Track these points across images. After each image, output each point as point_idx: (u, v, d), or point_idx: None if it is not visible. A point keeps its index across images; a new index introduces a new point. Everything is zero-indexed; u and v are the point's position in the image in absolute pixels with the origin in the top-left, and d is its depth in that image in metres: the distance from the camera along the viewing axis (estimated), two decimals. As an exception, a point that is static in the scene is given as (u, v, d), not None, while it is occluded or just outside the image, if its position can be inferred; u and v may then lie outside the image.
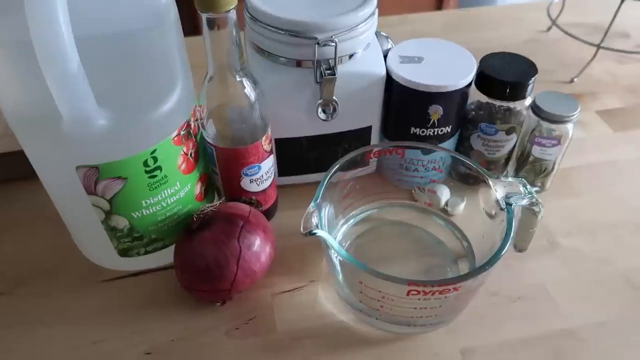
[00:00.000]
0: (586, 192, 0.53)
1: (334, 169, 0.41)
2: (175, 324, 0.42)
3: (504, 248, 0.35)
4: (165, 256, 0.44)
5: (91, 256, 0.46)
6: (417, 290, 0.34)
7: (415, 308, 0.36)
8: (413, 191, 0.50)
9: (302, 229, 0.37)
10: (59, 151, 0.36)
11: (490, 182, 0.41)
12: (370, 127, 0.50)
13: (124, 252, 0.44)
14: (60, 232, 0.47)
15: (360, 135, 0.50)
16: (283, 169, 0.52)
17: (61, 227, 0.46)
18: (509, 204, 0.39)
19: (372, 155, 0.45)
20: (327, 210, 0.42)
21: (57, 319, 0.43)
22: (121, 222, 0.41)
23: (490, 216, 0.41)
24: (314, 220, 0.38)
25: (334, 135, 0.49)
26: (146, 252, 0.44)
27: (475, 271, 0.35)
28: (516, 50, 0.50)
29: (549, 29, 0.78)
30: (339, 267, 0.40)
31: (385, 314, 0.38)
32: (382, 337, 0.41)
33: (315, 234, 0.37)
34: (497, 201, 0.40)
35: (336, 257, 0.39)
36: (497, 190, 0.40)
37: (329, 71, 0.43)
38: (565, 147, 0.49)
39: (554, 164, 0.50)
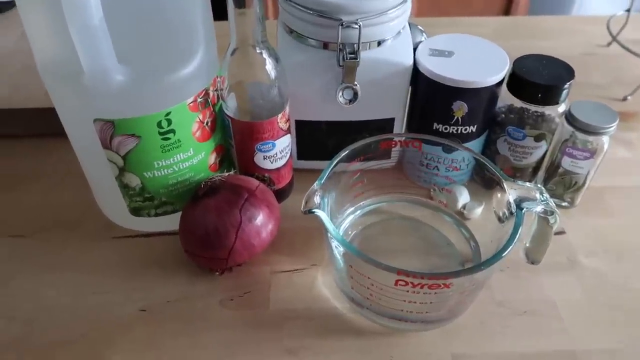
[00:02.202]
0: (619, 214, 0.50)
1: (344, 153, 0.41)
2: (174, 287, 0.43)
3: (503, 252, 0.34)
4: (175, 221, 0.45)
5: (106, 212, 0.48)
6: (405, 281, 0.33)
7: (405, 301, 0.35)
8: (431, 190, 0.49)
9: (302, 207, 0.37)
10: (79, 103, 0.38)
11: (505, 185, 0.39)
12: (393, 119, 0.49)
13: (135, 211, 0.45)
14: (84, 187, 0.49)
15: (382, 127, 0.49)
16: (302, 152, 0.52)
17: (85, 183, 0.48)
18: (519, 209, 0.37)
19: (386, 145, 0.44)
20: (333, 194, 0.41)
21: (66, 267, 0.45)
22: (133, 181, 0.42)
23: (500, 220, 0.39)
24: (316, 199, 0.37)
25: (355, 123, 0.49)
26: (156, 214, 0.45)
27: (466, 270, 0.33)
28: (570, 63, 0.46)
29: (609, 44, 0.74)
30: (336, 252, 0.40)
31: (375, 304, 0.37)
32: (374, 329, 0.40)
33: (313, 212, 0.37)
34: (509, 204, 0.38)
35: (332, 240, 0.38)
36: (511, 193, 0.38)
37: (351, 55, 0.42)
38: (598, 161, 0.46)
39: (585, 178, 0.47)
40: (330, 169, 0.40)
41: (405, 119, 0.50)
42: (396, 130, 0.50)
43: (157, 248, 0.46)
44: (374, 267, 0.33)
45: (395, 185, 0.48)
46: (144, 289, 0.43)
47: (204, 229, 0.40)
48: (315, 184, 0.38)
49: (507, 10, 1.46)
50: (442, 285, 0.33)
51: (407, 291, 0.34)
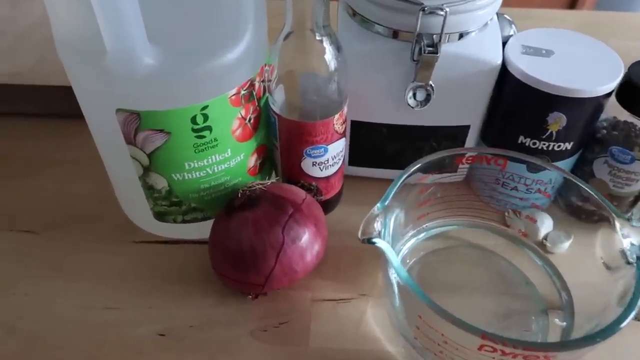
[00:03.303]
0: None
1: (414, 169, 0.33)
2: (199, 309, 0.37)
3: (626, 317, 0.26)
4: (204, 229, 0.39)
5: (127, 212, 0.42)
6: (492, 347, 0.25)
7: (485, 366, 0.28)
8: (506, 214, 0.41)
9: (360, 234, 0.30)
10: (100, 89, 0.31)
11: (617, 224, 0.31)
12: (467, 127, 0.41)
13: (159, 216, 0.39)
14: (106, 179, 0.43)
15: (454, 135, 0.41)
16: (355, 157, 0.44)
17: (107, 174, 0.42)
18: (640, 259, 0.29)
19: (463, 161, 0.36)
20: (395, 217, 0.34)
21: (78, 272, 0.39)
22: (159, 182, 0.36)
23: (609, 268, 0.31)
24: (377, 226, 0.30)
25: (422, 129, 0.41)
26: (184, 221, 0.39)
27: (578, 341, 0.25)
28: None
29: None
30: (396, 289, 0.33)
31: (444, 361, 0.30)
32: (433, 384, 0.33)
33: (374, 243, 0.30)
34: (623, 251, 0.30)
35: (394, 276, 0.31)
36: (626, 235, 0.30)
37: (430, 48, 0.35)
38: None
39: (702, 215, 0.39)
40: (396, 187, 0.32)
41: (480, 127, 0.42)
42: (469, 140, 0.42)
43: (181, 259, 0.40)
44: (452, 325, 0.26)
45: (463, 207, 0.41)
46: (163, 307, 0.37)
47: (238, 248, 0.34)
48: (376, 207, 0.31)
49: (572, 4, 1.34)
50: (542, 358, 0.25)
51: (493, 358, 0.26)
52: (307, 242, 0.34)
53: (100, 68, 0.30)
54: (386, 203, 0.31)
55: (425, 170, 0.34)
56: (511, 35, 0.40)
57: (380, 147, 0.43)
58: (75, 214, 0.43)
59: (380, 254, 0.32)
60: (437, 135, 0.41)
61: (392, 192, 0.32)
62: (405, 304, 0.32)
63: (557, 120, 0.37)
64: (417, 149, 0.43)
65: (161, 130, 0.32)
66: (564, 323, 0.34)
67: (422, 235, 0.40)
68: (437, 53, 0.34)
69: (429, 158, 0.34)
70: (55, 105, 0.51)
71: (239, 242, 0.34)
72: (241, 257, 0.34)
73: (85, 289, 0.38)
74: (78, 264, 0.40)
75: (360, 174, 0.46)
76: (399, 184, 0.32)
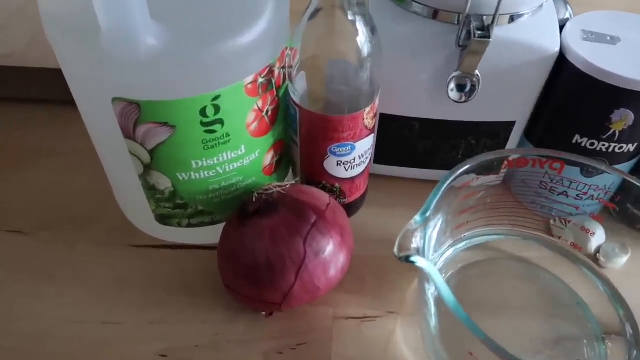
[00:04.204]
0: None
1: (460, 171, 0.29)
2: (205, 325, 0.33)
3: None
4: (212, 234, 0.34)
5: (127, 213, 0.38)
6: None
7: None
8: (552, 222, 0.36)
9: (396, 250, 0.26)
10: (93, 74, 0.27)
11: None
12: (512, 124, 0.36)
13: (162, 219, 0.34)
14: (104, 173, 0.38)
15: (496, 132, 0.37)
16: (381, 154, 0.40)
17: (104, 170, 0.38)
18: None
19: (513, 163, 0.32)
20: (435, 228, 0.30)
21: (71, 279, 0.35)
22: (163, 182, 0.31)
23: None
24: (416, 241, 0.26)
25: (460, 125, 0.36)
26: (189, 225, 0.35)
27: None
28: None
29: None
30: (433, 308, 0.28)
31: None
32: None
33: (414, 263, 0.25)
34: None
35: (433, 294, 0.27)
36: None
37: (480, 32, 0.30)
38: None
39: None
40: (440, 193, 0.28)
41: (526, 124, 0.37)
42: (513, 138, 0.37)
43: (186, 266, 0.36)
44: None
45: (505, 215, 0.36)
46: (166, 323, 0.33)
47: (252, 262, 0.29)
48: (414, 220, 0.27)
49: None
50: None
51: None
52: (331, 255, 0.30)
53: (94, 49, 0.25)
54: (427, 214, 0.27)
55: (472, 173, 0.29)
56: (567, 19, 0.35)
57: (411, 144, 0.38)
58: (69, 212, 0.39)
59: (412, 265, 0.27)
60: (477, 132, 0.37)
61: (435, 200, 0.27)
62: (446, 330, 0.28)
63: (623, 118, 0.32)
64: (452, 147, 0.38)
65: (165, 124, 0.28)
66: (634, 352, 0.29)
67: (460, 245, 0.35)
68: (489, 38, 0.29)
69: (478, 159, 0.29)
70: (50, 90, 0.46)
71: (253, 254, 0.29)
72: (255, 271, 0.29)
73: (80, 300, 0.34)
74: (71, 270, 0.36)
75: (387, 172, 0.41)
76: (443, 189, 0.28)
